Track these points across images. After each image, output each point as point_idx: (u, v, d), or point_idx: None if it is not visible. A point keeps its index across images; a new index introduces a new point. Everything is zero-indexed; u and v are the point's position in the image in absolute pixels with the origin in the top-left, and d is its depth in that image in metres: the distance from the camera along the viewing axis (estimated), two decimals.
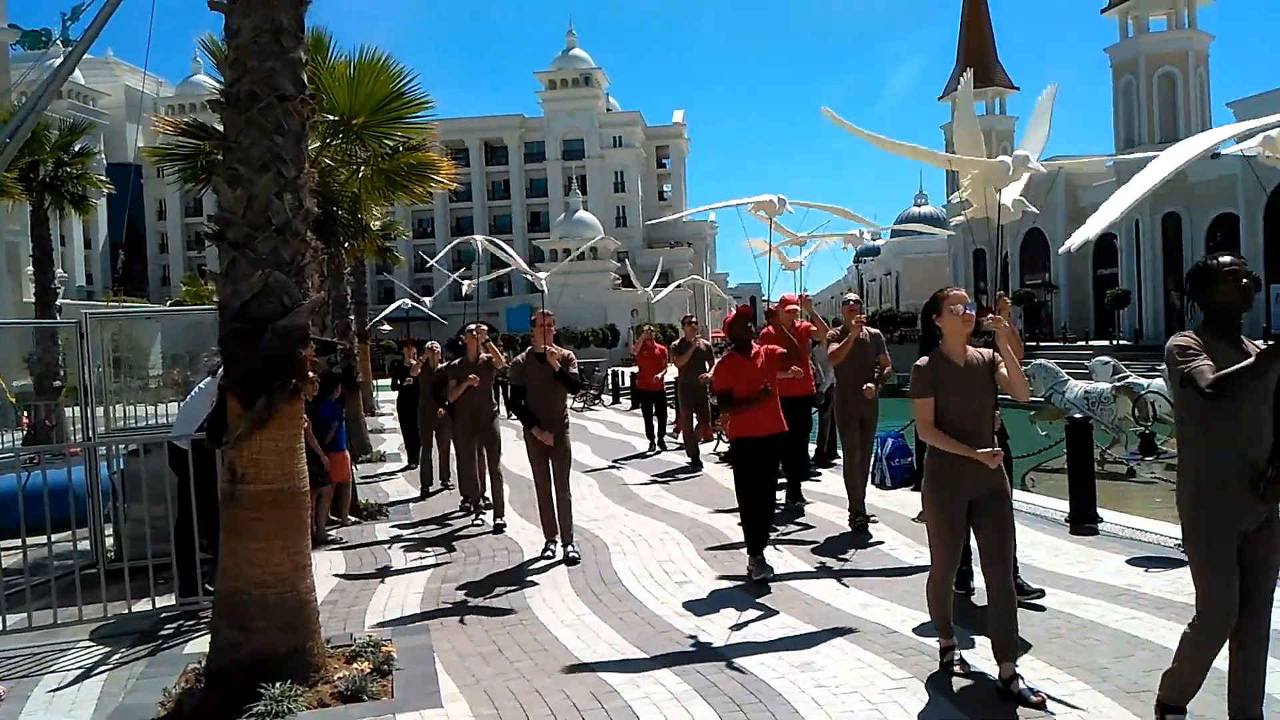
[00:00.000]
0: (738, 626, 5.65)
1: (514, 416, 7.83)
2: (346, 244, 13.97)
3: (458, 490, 10.70)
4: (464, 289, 23.53)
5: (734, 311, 6.97)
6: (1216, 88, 55.81)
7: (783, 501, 8.98)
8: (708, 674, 4.87)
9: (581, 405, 23.72)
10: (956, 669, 4.64)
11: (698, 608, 6.09)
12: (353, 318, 16.77)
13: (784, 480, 9.01)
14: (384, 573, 7.53)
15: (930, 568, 4.66)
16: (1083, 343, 46.03)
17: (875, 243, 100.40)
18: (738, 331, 6.80)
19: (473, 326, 9.63)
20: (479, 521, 9.34)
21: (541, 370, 7.55)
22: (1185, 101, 50.03)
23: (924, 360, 4.50)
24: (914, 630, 5.41)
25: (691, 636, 5.51)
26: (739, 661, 5.03)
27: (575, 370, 7.78)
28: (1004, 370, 4.48)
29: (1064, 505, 8.10)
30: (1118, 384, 16.45)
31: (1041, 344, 44.77)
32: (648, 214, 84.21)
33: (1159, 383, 16.01)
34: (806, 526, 8.39)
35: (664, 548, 7.82)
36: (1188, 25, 50.87)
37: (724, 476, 11.31)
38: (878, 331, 8.67)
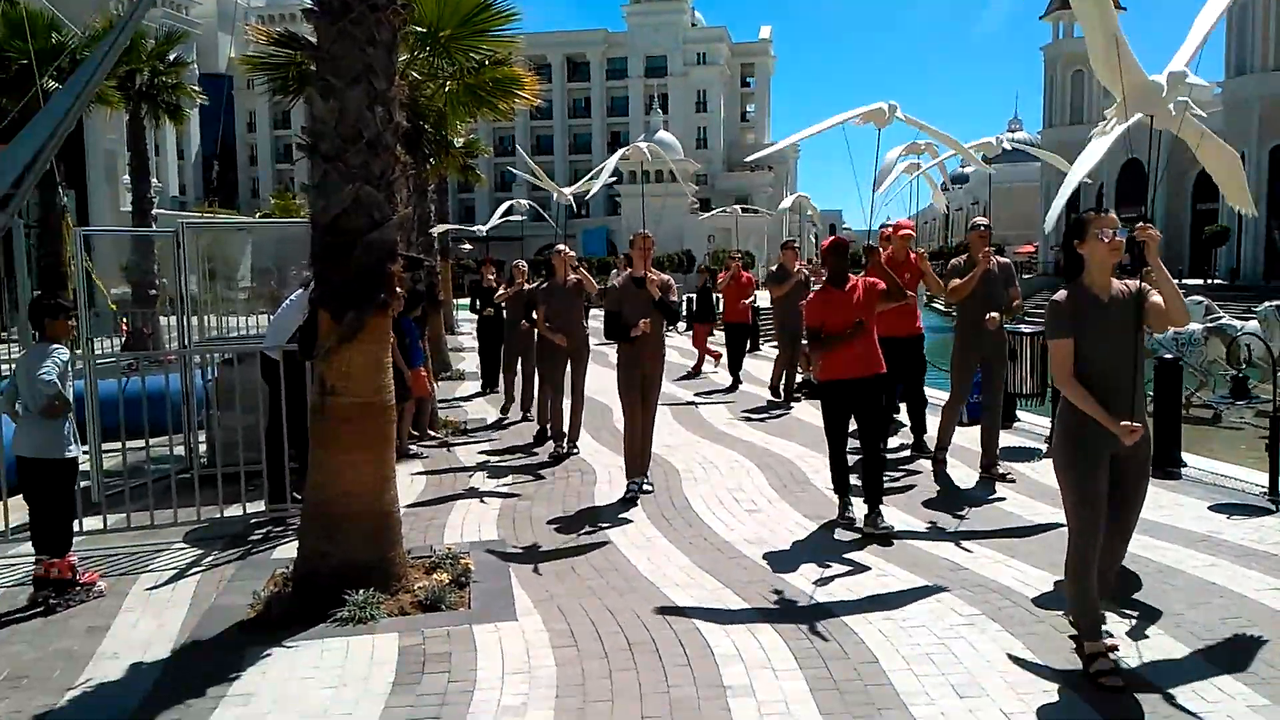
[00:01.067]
0: (811, 559, 5.68)
1: (609, 341, 7.47)
2: (431, 160, 14.05)
3: (536, 420, 10.36)
4: (513, 210, 22.88)
5: (830, 239, 6.39)
6: None
7: (904, 452, 8.41)
8: (775, 601, 4.94)
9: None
10: (1105, 681, 3.78)
11: (766, 536, 6.14)
12: (435, 234, 16.98)
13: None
14: (463, 489, 7.74)
15: (1069, 544, 3.93)
16: (1176, 281, 44.12)
17: (965, 170, 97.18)
18: (833, 261, 6.23)
19: (561, 247, 9.25)
20: (559, 450, 8.95)
21: (639, 297, 7.12)
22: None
23: (1062, 294, 3.87)
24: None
25: (760, 564, 5.57)
26: (807, 590, 5.08)
27: (675, 299, 7.43)
28: (1157, 298, 3.86)
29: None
30: (1210, 325, 15.81)
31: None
32: (729, 135, 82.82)
33: (1253, 325, 15.35)
34: (940, 484, 7.40)
35: (734, 476, 7.88)
36: None
37: (814, 416, 11.28)
38: (1008, 261, 7.75)
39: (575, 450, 8.93)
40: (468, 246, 51.19)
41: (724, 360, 14.41)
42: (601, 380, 13.43)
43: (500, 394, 12.12)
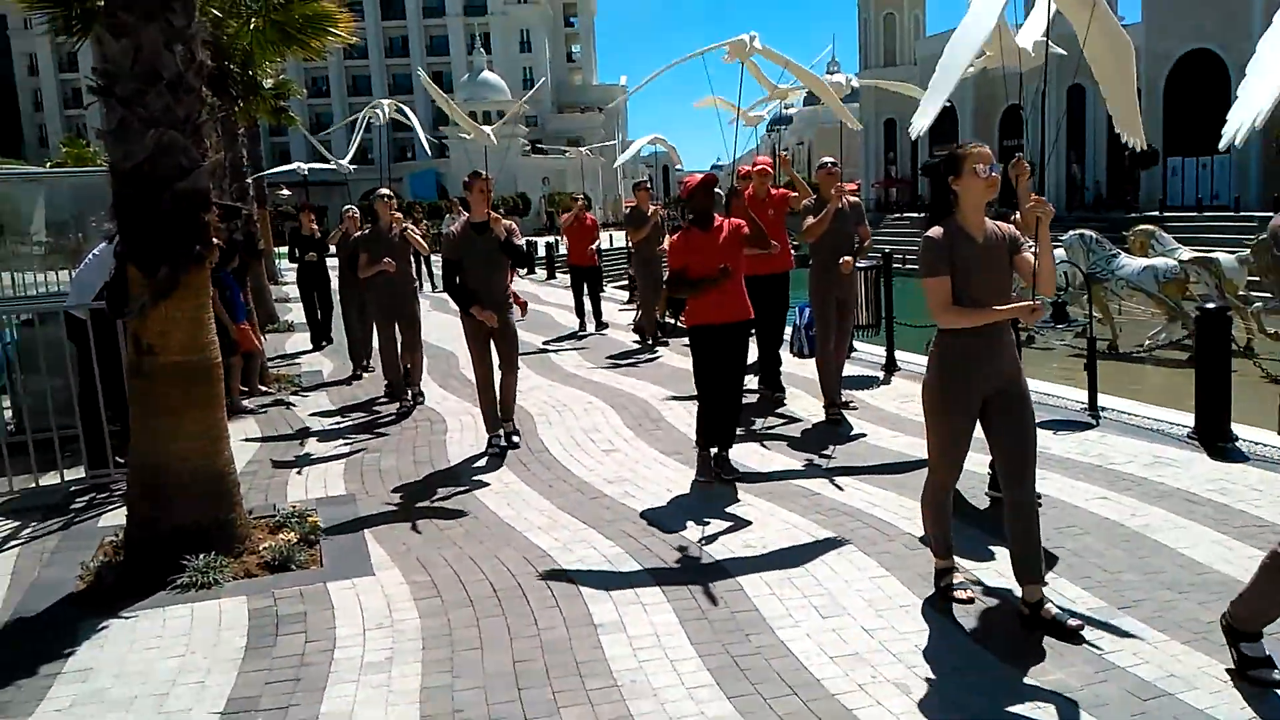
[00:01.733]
0: (671, 494, 5.72)
1: (446, 294, 6.89)
2: (240, 102, 13.14)
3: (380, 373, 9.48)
4: (341, 162, 21.47)
5: (696, 177, 5.97)
6: None
7: (756, 390, 8.24)
8: (640, 537, 4.94)
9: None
10: (958, 594, 3.99)
11: (625, 475, 6.15)
12: (250, 182, 15.99)
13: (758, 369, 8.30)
14: (304, 444, 7.38)
15: (928, 475, 3.99)
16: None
17: (788, 110, 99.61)
18: (699, 201, 5.84)
19: (384, 192, 8.71)
20: (403, 404, 8.46)
21: (482, 242, 6.59)
22: None
23: (936, 231, 3.71)
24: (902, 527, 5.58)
25: (620, 503, 5.57)
26: (670, 525, 5.12)
27: (520, 241, 6.89)
28: (1028, 254, 3.75)
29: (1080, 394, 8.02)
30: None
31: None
32: (556, 76, 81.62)
33: (1060, 253, 16.52)
34: (791, 419, 7.53)
35: (589, 417, 7.84)
36: None
37: (668, 356, 11.36)
38: (858, 200, 7.65)
39: (421, 398, 8.63)
40: (286, 192, 48.65)
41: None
42: (446, 328, 13.12)
43: (342, 350, 11.23)
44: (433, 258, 20.77)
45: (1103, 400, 7.20)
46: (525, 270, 22.85)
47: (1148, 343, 15.55)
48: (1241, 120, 3.59)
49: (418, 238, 8.69)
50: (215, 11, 9.90)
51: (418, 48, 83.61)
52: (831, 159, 7.36)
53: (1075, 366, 13.14)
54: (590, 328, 13.25)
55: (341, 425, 8.05)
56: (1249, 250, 15.11)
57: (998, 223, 3.82)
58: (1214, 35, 38.94)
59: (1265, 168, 40.72)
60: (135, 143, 4.68)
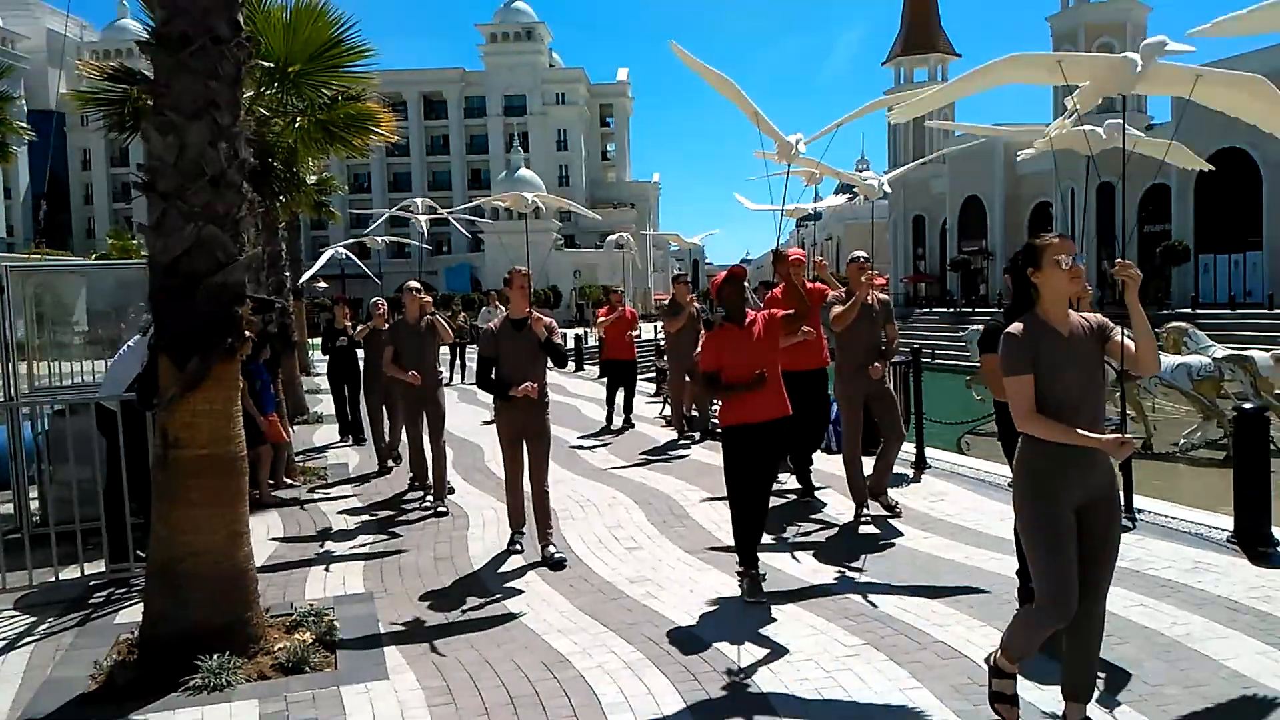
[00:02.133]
0: (695, 596, 5.58)
1: (482, 391, 6.62)
2: (282, 198, 13.51)
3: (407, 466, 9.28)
4: (335, 259, 21.18)
5: (724, 272, 5.65)
6: None
7: (790, 491, 8.09)
8: (660, 642, 4.80)
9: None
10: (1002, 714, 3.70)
11: (649, 574, 6.02)
12: (288, 274, 16.32)
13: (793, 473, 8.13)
14: (325, 540, 7.32)
15: (1036, 598, 3.49)
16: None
17: (817, 207, 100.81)
18: (729, 297, 5.55)
19: (413, 285, 8.53)
20: (427, 501, 8.25)
21: (520, 340, 6.34)
22: None
23: (1016, 327, 3.45)
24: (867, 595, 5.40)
25: (643, 604, 5.43)
26: (693, 629, 4.97)
27: (559, 339, 6.53)
28: (1127, 340, 3.43)
29: (1008, 470, 8.12)
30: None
31: (976, 310, 45.60)
32: (591, 173, 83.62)
33: None
34: (827, 525, 7.15)
35: (613, 513, 7.73)
36: None
37: (696, 452, 11.28)
38: (886, 299, 7.51)
39: (442, 509, 7.99)
40: (323, 285, 49.62)
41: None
42: (470, 418, 13.12)
43: (369, 444, 11.16)
44: (468, 351, 21.02)
45: (1139, 502, 7.01)
46: (559, 366, 22.34)
47: (1183, 442, 15.24)
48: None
49: (443, 324, 8.51)
50: (262, 110, 10.26)
51: (458, 145, 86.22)
52: (863, 252, 7.24)
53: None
54: (618, 422, 12.91)
55: (364, 520, 7.99)
56: None
57: (1084, 315, 3.55)
58: (1244, 133, 39.13)
59: None
60: (174, 236, 4.78)
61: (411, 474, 8.84)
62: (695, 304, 11.93)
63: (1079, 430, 3.31)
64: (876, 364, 7.07)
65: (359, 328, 11.14)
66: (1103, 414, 3.47)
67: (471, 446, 11.29)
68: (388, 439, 10.36)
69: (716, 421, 12.01)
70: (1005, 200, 54.88)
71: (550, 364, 6.50)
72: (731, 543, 5.81)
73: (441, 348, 8.83)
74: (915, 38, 67.86)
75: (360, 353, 11.45)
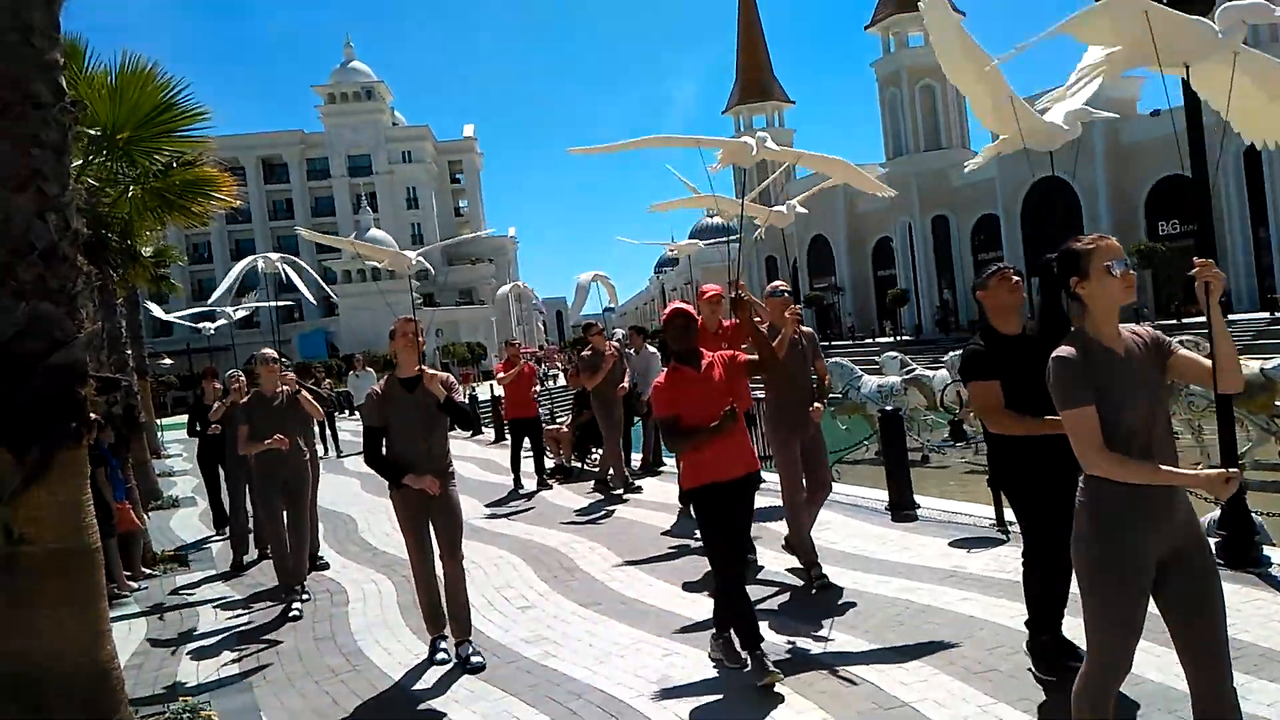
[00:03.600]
0: (592, 652, 5.44)
1: (372, 468, 5.55)
2: (119, 271, 12.76)
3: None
4: (218, 320, 20.31)
5: (671, 307, 4.92)
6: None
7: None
8: (565, 701, 4.64)
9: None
10: None
11: (544, 633, 5.83)
12: (129, 352, 15.39)
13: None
14: (194, 629, 6.81)
15: (1087, 663, 2.94)
16: (870, 340, 49.01)
17: (671, 254, 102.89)
18: (681, 334, 4.84)
19: (267, 352, 7.64)
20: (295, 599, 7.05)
21: (413, 402, 5.33)
22: (945, 111, 54.38)
23: (1068, 350, 2.84)
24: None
25: (541, 665, 5.25)
26: (597, 688, 4.82)
27: (462, 398, 5.67)
28: (1192, 355, 2.94)
29: (882, 494, 8.37)
30: (907, 376, 17.56)
31: (833, 343, 47.27)
32: (445, 230, 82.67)
33: (943, 373, 17.17)
34: (772, 583, 6.39)
35: (501, 573, 7.50)
36: None
37: (566, 498, 11.11)
38: (811, 331, 6.67)
39: (304, 594, 7.21)
40: (168, 361, 47.28)
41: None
42: (341, 489, 12.59)
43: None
44: (338, 421, 20.12)
45: (1009, 514, 7.07)
46: (470, 433, 18.82)
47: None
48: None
49: (308, 398, 7.61)
50: (91, 180, 9.69)
51: (302, 209, 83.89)
52: (783, 284, 6.55)
53: (972, 482, 13.43)
54: (529, 485, 11.90)
55: (233, 603, 7.50)
56: None
57: (1135, 328, 2.98)
58: (1061, 163, 42.14)
59: None
60: (4, 317, 4.41)
61: (277, 570, 7.47)
62: (614, 346, 11.27)
63: (1164, 467, 2.75)
64: (817, 404, 6.34)
65: (214, 405, 9.82)
66: (1173, 445, 2.93)
67: (343, 517, 10.81)
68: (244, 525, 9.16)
69: (579, 465, 12.05)
70: (848, 240, 57.38)
71: (453, 428, 5.58)
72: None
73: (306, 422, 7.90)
74: (750, 87, 70.68)
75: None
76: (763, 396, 6.68)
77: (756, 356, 4.92)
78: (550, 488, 11.66)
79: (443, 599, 5.48)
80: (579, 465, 13.22)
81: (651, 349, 11.54)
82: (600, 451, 13.56)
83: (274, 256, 15.16)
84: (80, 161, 9.09)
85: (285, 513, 7.26)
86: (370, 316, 70.35)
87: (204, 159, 10.67)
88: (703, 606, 6.00)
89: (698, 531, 7.66)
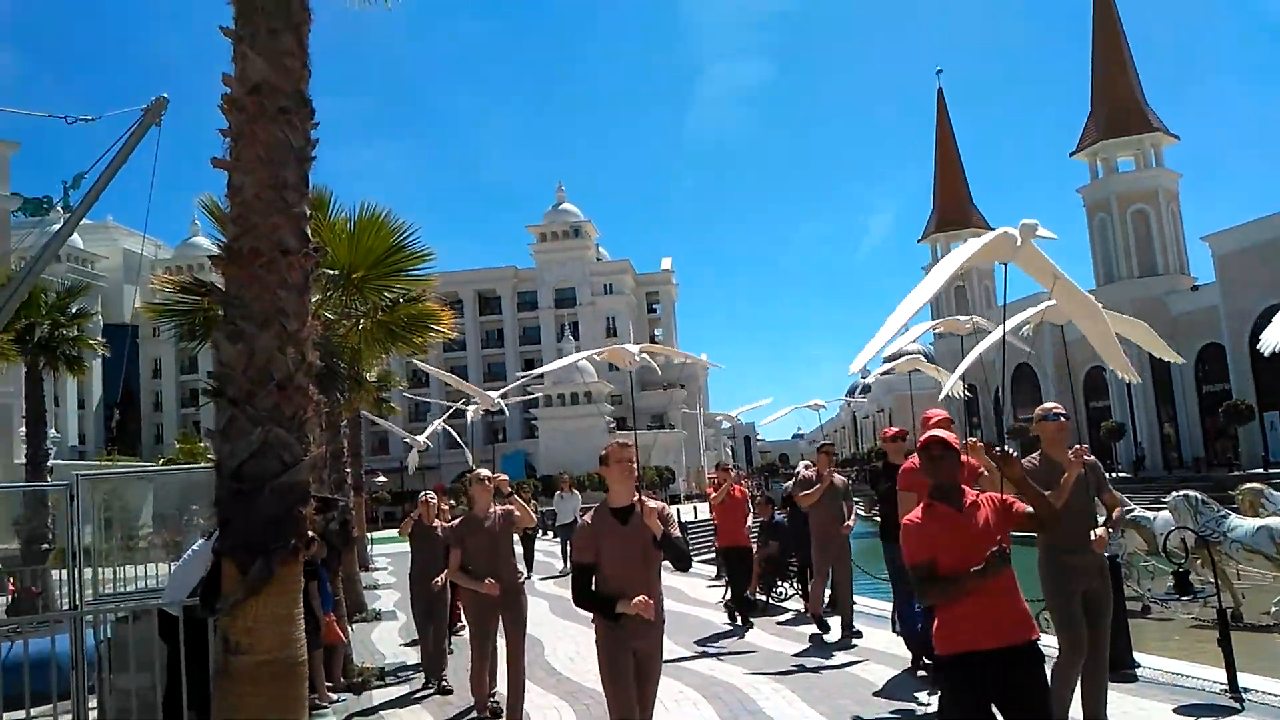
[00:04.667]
0: None
1: (580, 607, 4.97)
2: (344, 396, 13.91)
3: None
4: (416, 452, 20.98)
5: (933, 423, 4.54)
6: (1190, 222, 57.97)
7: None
8: None
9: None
10: None
11: None
12: (348, 470, 16.55)
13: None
14: None
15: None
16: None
17: (866, 380, 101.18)
18: (942, 463, 4.12)
19: (483, 473, 7.26)
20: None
21: (627, 536, 4.73)
22: (1160, 235, 51.59)
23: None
24: None
25: None
26: None
27: (678, 532, 5.04)
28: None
29: None
30: (1127, 517, 16.20)
31: None
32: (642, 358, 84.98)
33: (1165, 515, 15.74)
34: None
35: (679, 710, 7.37)
36: (1155, 164, 52.89)
37: (762, 638, 10.87)
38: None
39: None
40: (381, 479, 50.30)
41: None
42: (530, 612, 12.81)
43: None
44: (537, 541, 20.51)
45: (1244, 679, 6.50)
46: (681, 569, 18.27)
47: (1274, 609, 14.27)
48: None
49: (522, 504, 7.18)
50: (327, 315, 10.72)
51: (511, 337, 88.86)
52: (1058, 405, 5.88)
53: (1200, 639, 12.12)
54: (755, 623, 11.19)
55: (427, 714, 7.71)
56: None
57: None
58: None
59: None
60: (240, 440, 4.87)
61: (475, 703, 7.40)
62: (839, 477, 10.17)
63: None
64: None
65: (404, 522, 9.54)
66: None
67: (530, 640, 10.97)
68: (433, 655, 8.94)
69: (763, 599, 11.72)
70: (1055, 366, 54.53)
71: (668, 566, 4.91)
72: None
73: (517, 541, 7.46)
74: (948, 214, 69.74)
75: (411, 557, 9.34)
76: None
77: (1033, 509, 4.06)
78: (751, 626, 11.00)
79: None
80: (764, 599, 12.90)
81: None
82: (784, 585, 13.20)
83: (478, 404, 15.98)
84: (318, 298, 10.13)
85: (506, 640, 6.88)
86: (565, 438, 72.60)
87: (427, 295, 11.63)
88: None
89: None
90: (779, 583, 13.29)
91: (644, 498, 4.84)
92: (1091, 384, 53.28)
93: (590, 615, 4.90)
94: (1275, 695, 6.30)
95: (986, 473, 5.83)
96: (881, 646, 9.09)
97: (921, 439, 4.21)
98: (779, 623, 11.12)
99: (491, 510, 7.04)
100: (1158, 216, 50.91)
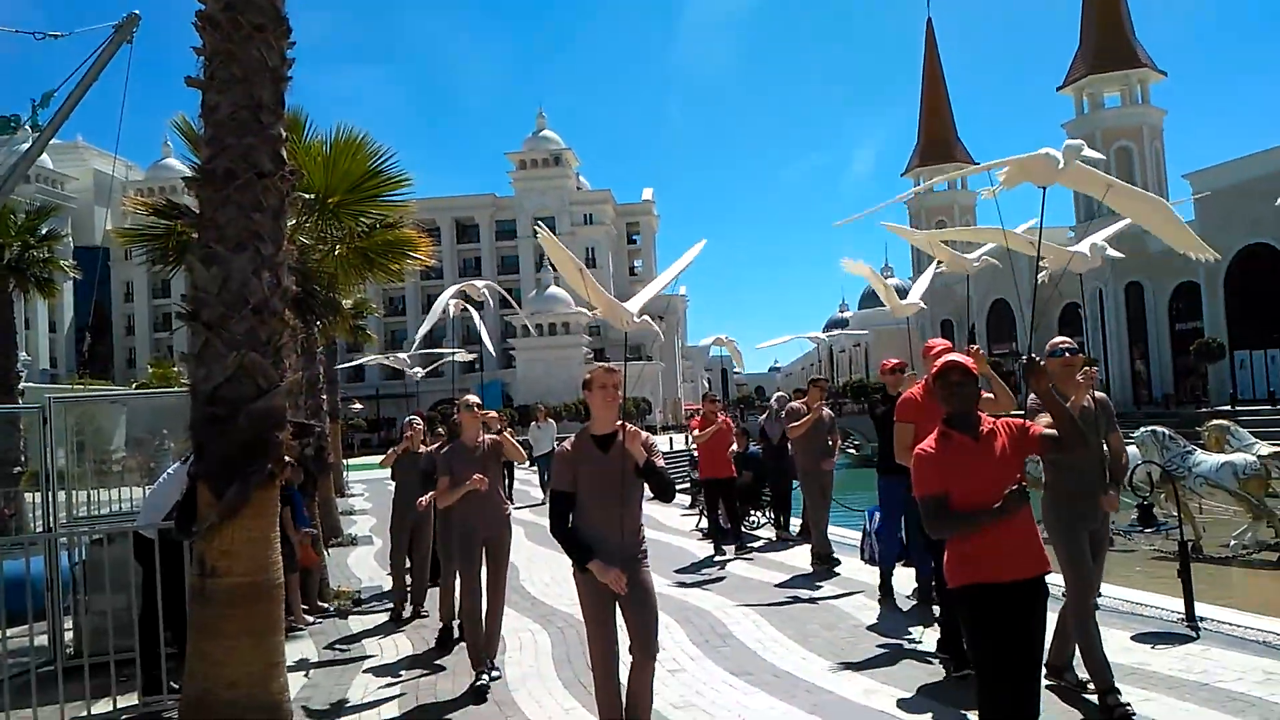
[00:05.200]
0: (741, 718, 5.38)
1: (558, 541, 4.54)
2: (320, 323, 13.80)
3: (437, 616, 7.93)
4: (411, 368, 20.32)
5: (944, 359, 3.98)
6: (1172, 160, 58.00)
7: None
8: None
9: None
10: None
11: (693, 699, 5.81)
12: (324, 397, 16.52)
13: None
14: (363, 666, 7.17)
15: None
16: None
17: (844, 314, 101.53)
18: (963, 394, 3.89)
19: (471, 399, 6.90)
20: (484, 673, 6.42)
21: (608, 465, 4.47)
22: (1143, 173, 51.64)
23: None
24: None
25: None
26: None
27: (662, 461, 4.63)
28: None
29: (1056, 579, 7.86)
30: None
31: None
32: (619, 289, 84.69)
33: (1132, 450, 15.98)
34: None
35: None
36: (1141, 101, 52.68)
37: (738, 567, 11.03)
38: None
39: (496, 673, 6.51)
40: (357, 406, 50.29)
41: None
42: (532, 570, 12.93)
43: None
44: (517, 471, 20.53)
45: (1201, 609, 6.72)
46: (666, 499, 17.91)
47: (1234, 544, 14.73)
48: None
49: (511, 441, 7.00)
50: (303, 240, 10.57)
51: (489, 267, 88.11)
52: (1067, 340, 5.89)
53: (1160, 570, 12.46)
54: (729, 550, 11.28)
55: (401, 644, 7.83)
56: None
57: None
58: (1270, 228, 39.18)
59: None
60: (216, 364, 4.86)
61: (444, 625, 7.67)
62: (827, 411, 10.36)
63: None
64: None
65: (387, 452, 9.37)
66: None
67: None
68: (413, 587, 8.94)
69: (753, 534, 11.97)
70: (1030, 303, 54.94)
71: (651, 496, 4.70)
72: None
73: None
74: (933, 149, 69.35)
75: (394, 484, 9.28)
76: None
77: (1056, 433, 3.85)
78: (729, 555, 11.05)
79: (622, 702, 4.49)
80: (738, 528, 13.09)
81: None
82: (757, 514, 13.38)
83: (479, 284, 15.66)
84: (294, 222, 9.97)
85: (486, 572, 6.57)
86: (544, 368, 72.72)
87: (404, 221, 11.48)
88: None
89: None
90: (751, 512, 13.48)
91: (628, 425, 4.53)
92: (1067, 319, 53.66)
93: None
94: (1227, 623, 6.51)
95: (991, 394, 5.84)
96: (866, 578, 9.13)
97: (940, 364, 3.94)
98: (753, 548, 11.33)
99: (480, 439, 6.76)
100: (1140, 153, 50.95)
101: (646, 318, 8.03)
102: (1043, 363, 4.38)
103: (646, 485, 4.51)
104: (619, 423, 4.54)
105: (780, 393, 15.44)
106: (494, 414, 7.36)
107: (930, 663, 6.23)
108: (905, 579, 8.38)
